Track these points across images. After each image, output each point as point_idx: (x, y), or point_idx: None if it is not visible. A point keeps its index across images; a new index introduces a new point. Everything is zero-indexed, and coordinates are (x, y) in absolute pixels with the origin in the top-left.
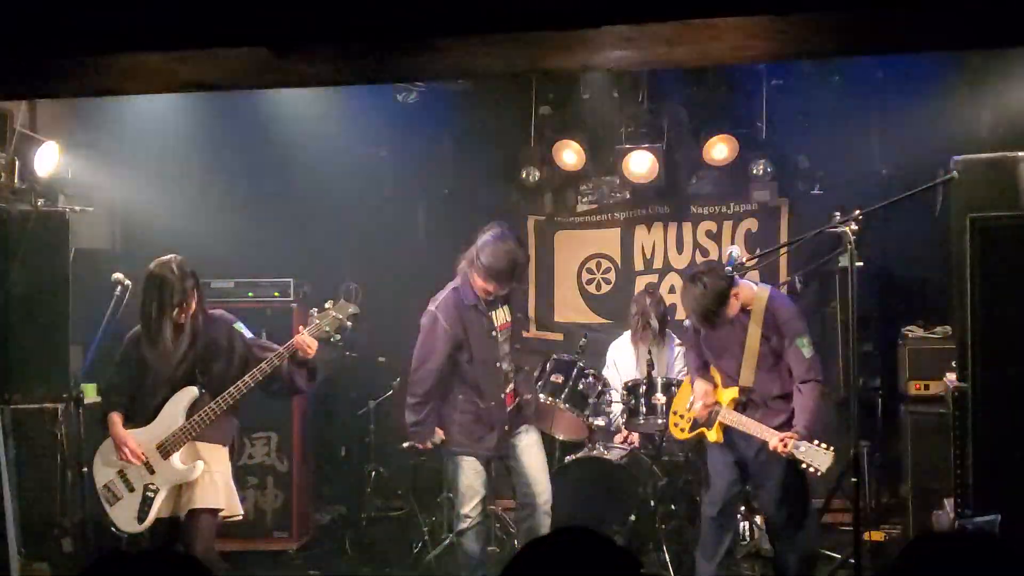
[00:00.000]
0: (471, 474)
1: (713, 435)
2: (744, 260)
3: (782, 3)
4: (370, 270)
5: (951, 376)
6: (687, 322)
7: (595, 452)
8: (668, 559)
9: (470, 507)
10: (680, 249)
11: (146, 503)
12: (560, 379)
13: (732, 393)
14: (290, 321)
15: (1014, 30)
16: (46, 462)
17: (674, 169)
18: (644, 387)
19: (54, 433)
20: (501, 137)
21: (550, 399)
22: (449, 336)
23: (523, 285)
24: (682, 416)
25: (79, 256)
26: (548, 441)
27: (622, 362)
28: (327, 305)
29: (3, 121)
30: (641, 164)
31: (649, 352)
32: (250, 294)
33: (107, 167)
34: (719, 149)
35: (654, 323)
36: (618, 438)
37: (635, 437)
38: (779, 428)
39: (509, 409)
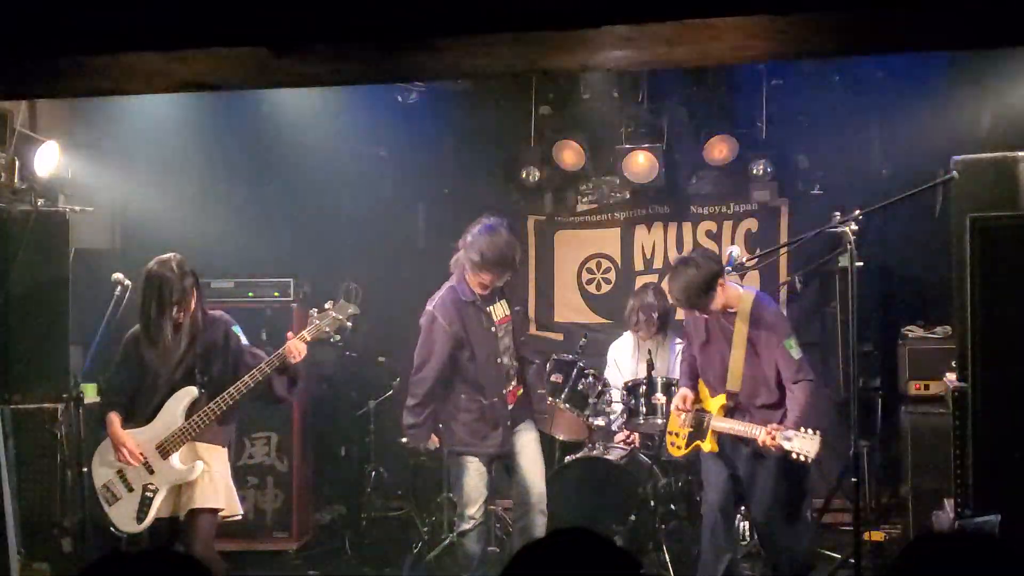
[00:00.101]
0: (475, 476)
1: (707, 445)
2: (744, 260)
3: (782, 3)
4: (370, 270)
5: (951, 376)
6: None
7: (595, 452)
8: (668, 559)
9: (474, 509)
10: (680, 249)
11: (145, 503)
12: (560, 379)
13: (720, 400)
14: (290, 321)
15: (1014, 30)
16: (46, 462)
17: (674, 169)
18: (644, 387)
19: (54, 433)
20: (501, 137)
21: (550, 399)
22: (449, 334)
23: (517, 273)
24: (677, 434)
25: (79, 256)
26: (548, 441)
27: (623, 362)
28: (327, 306)
29: (3, 121)
30: (641, 164)
31: (649, 352)
32: (250, 294)
33: (107, 167)
34: (719, 149)
35: (654, 316)
36: (618, 438)
37: (635, 437)
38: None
39: (511, 406)
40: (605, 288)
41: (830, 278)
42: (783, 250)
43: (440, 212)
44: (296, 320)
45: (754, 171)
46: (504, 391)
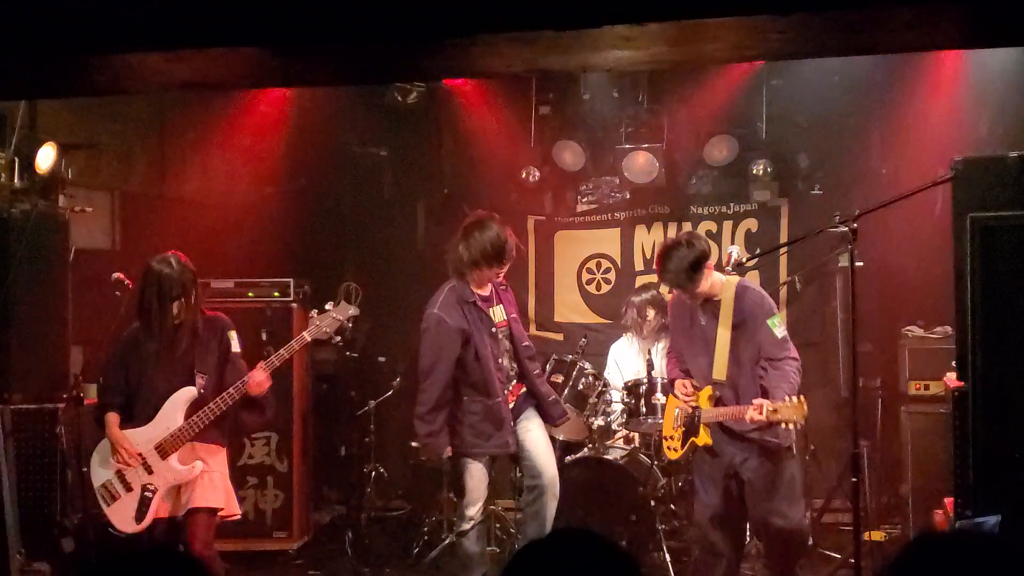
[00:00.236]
0: (477, 476)
1: (702, 439)
2: (744, 260)
3: (782, 3)
4: (370, 270)
5: (951, 376)
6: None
7: (595, 452)
8: (668, 559)
9: (475, 509)
10: None
11: (144, 503)
12: (560, 379)
13: (708, 391)
14: (290, 321)
15: (1014, 30)
16: (46, 462)
17: (674, 169)
18: (644, 387)
19: (54, 433)
20: (501, 137)
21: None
22: (457, 332)
23: (517, 273)
24: (672, 437)
25: (79, 256)
26: None
27: (623, 362)
28: (327, 307)
29: (3, 121)
30: (641, 164)
31: (649, 352)
32: (250, 294)
33: (107, 167)
34: (719, 149)
35: (654, 316)
36: (618, 438)
37: (635, 437)
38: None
39: (513, 404)
40: (605, 288)
41: (830, 278)
42: (783, 250)
43: (440, 212)
44: (296, 320)
45: (754, 171)
46: (505, 391)
